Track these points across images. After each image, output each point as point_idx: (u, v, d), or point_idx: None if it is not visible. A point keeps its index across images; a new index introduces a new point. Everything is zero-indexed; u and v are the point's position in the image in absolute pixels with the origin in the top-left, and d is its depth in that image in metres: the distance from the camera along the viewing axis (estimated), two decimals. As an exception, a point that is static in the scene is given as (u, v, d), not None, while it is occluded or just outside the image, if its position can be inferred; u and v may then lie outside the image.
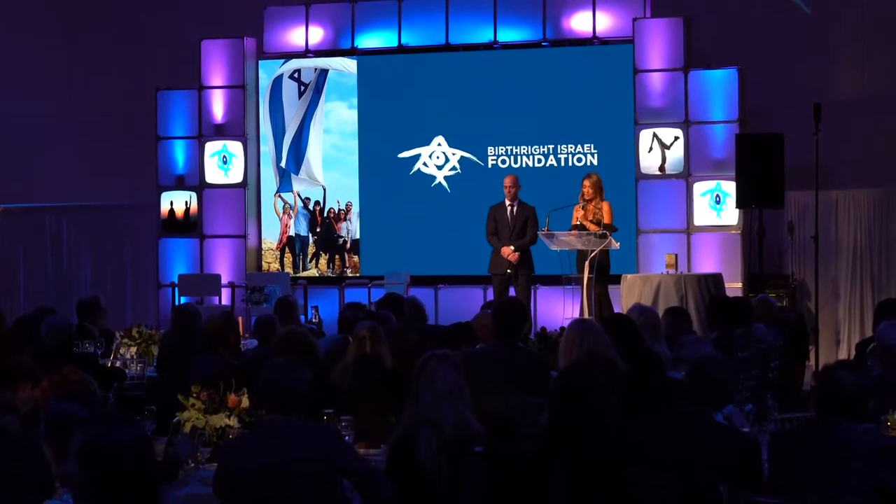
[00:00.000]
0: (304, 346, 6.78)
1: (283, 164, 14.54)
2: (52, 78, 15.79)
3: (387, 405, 6.12)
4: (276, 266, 14.53)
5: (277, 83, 14.56)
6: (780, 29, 13.65)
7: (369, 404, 6.34)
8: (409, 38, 14.16)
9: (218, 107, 14.54)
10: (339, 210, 14.41)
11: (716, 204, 13.07)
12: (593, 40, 13.64)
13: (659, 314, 8.16)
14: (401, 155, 14.15)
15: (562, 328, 9.14)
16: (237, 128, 14.53)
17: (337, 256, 14.44)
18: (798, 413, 6.46)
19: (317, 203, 14.48)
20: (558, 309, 12.09)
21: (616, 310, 11.54)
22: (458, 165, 14.00)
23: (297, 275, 14.35)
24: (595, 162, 13.56)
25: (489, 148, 13.92)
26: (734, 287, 12.47)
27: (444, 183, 14.04)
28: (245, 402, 5.87)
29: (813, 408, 5.01)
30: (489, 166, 13.89)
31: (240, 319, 11.84)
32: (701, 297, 11.27)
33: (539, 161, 13.79)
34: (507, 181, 12.38)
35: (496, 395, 6.34)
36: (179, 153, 14.63)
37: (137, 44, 15.38)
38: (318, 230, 14.47)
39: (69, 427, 3.96)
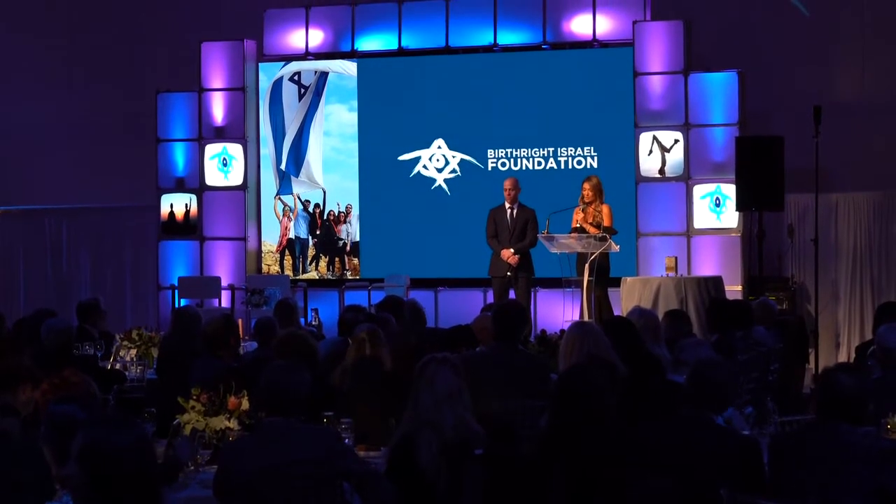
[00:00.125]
0: (304, 348, 6.78)
1: (283, 166, 14.55)
2: (53, 80, 15.79)
3: (386, 408, 6.12)
4: (275, 268, 14.53)
5: (277, 86, 14.56)
6: (779, 32, 13.65)
7: (369, 407, 6.34)
8: (409, 41, 14.17)
9: (218, 109, 14.55)
10: (339, 212, 14.41)
11: (716, 207, 13.07)
12: (593, 43, 13.65)
13: (659, 317, 8.15)
14: (401, 157, 14.15)
15: (562, 331, 9.14)
16: (237, 130, 14.53)
17: (337, 259, 14.44)
18: (798, 416, 6.47)
19: (317, 205, 14.48)
20: (558, 312, 12.08)
21: (616, 312, 11.54)
22: (458, 168, 14.00)
23: (297, 277, 14.36)
24: (595, 165, 13.56)
25: (489, 150, 13.92)
26: (734, 290, 12.47)
27: (444, 185, 14.04)
28: (245, 404, 5.87)
29: (813, 411, 5.02)
30: (489, 169, 13.89)
31: (240, 322, 11.82)
32: (701, 300, 11.27)
33: (539, 164, 13.79)
34: (507, 184, 12.38)
35: (496, 397, 6.34)
36: (179, 155, 14.64)
37: (137, 46, 15.39)
38: (318, 233, 14.47)
39: (69, 429, 3.97)
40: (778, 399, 7.28)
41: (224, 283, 14.06)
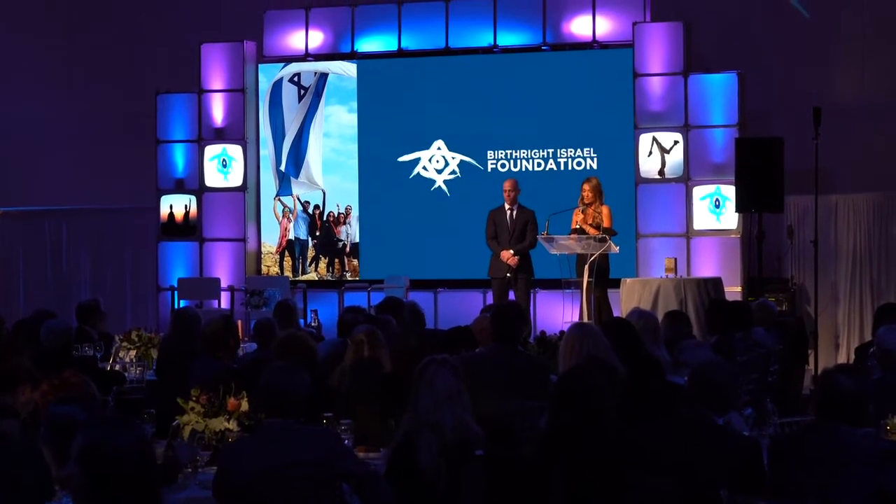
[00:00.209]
0: (303, 349, 6.78)
1: (282, 167, 14.55)
2: (53, 81, 15.78)
3: (386, 409, 6.12)
4: (275, 270, 14.53)
5: (277, 87, 14.57)
6: (779, 33, 13.65)
7: (368, 408, 6.33)
8: (409, 42, 14.17)
9: (218, 110, 14.55)
10: (339, 214, 14.41)
11: (715, 208, 13.08)
12: (593, 44, 13.65)
13: (658, 318, 8.15)
14: (400, 159, 14.15)
15: (561, 332, 9.14)
16: (237, 131, 14.53)
17: (336, 260, 14.44)
18: (797, 417, 6.47)
19: (316, 207, 14.48)
20: (558, 313, 12.08)
21: (615, 314, 11.55)
22: (457, 169, 14.00)
23: (297, 278, 14.36)
24: (595, 166, 13.56)
25: (489, 152, 13.93)
26: (734, 291, 12.47)
27: (444, 187, 14.04)
28: (244, 405, 5.86)
29: (812, 412, 5.02)
30: (489, 170, 13.90)
31: (239, 323, 11.82)
32: (700, 301, 11.27)
33: (539, 165, 13.79)
34: (507, 185, 12.38)
35: (496, 398, 6.34)
36: (179, 157, 14.64)
37: (137, 47, 15.39)
38: (317, 234, 14.47)
39: (69, 430, 3.97)
40: (777, 400, 7.29)
41: (223, 284, 14.06)
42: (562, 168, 13.72)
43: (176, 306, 13.52)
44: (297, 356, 6.51)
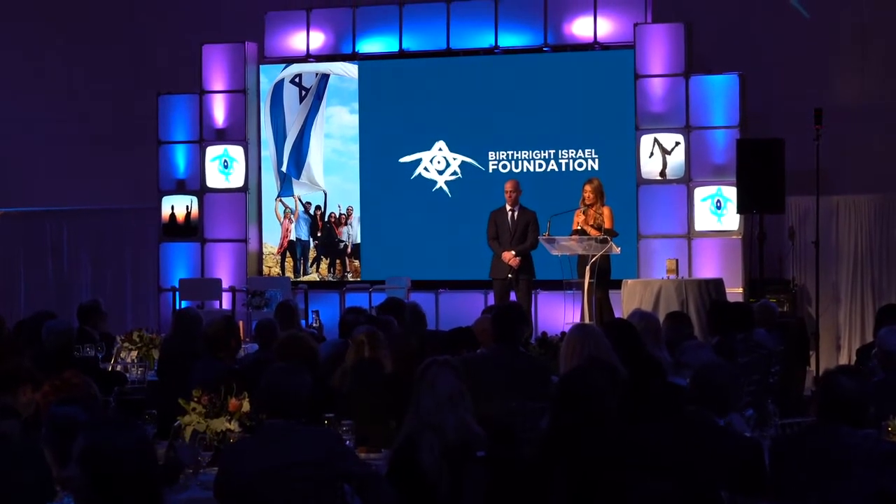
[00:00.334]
0: (304, 350, 6.78)
1: (283, 168, 14.55)
2: (53, 81, 15.78)
3: (387, 410, 6.12)
4: (276, 270, 14.54)
5: (278, 88, 14.57)
6: (780, 34, 13.65)
7: (369, 409, 6.33)
8: (411, 43, 14.17)
9: (219, 111, 14.55)
10: (340, 214, 14.41)
11: (716, 209, 13.08)
12: (594, 45, 13.65)
13: (660, 319, 8.15)
14: (402, 159, 14.15)
15: (563, 333, 9.15)
16: (238, 132, 14.53)
17: (338, 261, 14.44)
18: (799, 418, 6.46)
19: (318, 207, 14.48)
20: (559, 314, 12.09)
21: (617, 315, 11.54)
22: (458, 170, 14.00)
23: (298, 279, 14.36)
24: (596, 167, 13.56)
25: (490, 153, 13.93)
26: (735, 292, 12.46)
27: (445, 188, 14.04)
28: (246, 406, 5.86)
29: (813, 413, 5.02)
30: (490, 171, 13.90)
31: (240, 324, 11.84)
32: (702, 303, 11.27)
33: (540, 166, 13.80)
34: (508, 186, 12.38)
35: (497, 399, 6.34)
36: (180, 157, 14.64)
37: (138, 48, 15.39)
38: (318, 234, 14.47)
39: (70, 431, 3.97)
40: (779, 401, 7.28)
41: (225, 284, 14.06)
42: (563, 169, 13.72)
43: (177, 307, 13.52)
44: (299, 357, 6.51)
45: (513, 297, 12.06)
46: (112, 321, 11.25)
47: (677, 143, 13.17)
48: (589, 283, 11.43)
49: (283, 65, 14.55)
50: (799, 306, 13.17)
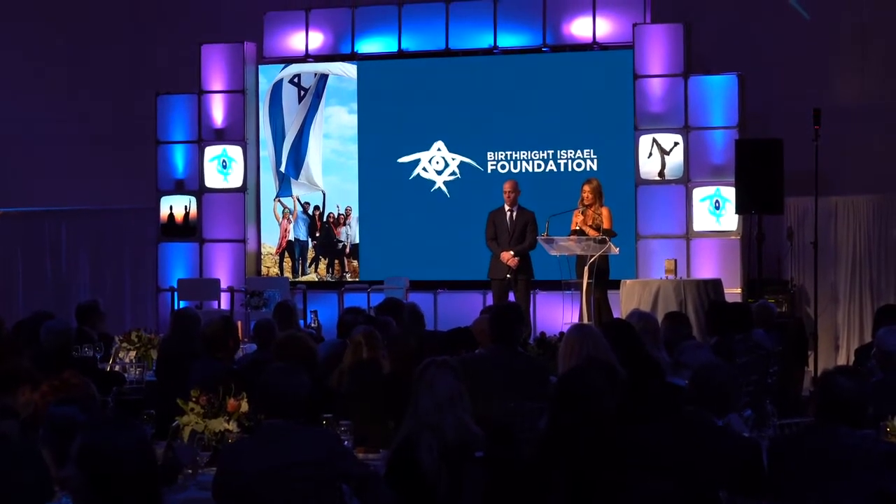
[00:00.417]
0: (303, 350, 6.78)
1: (282, 168, 14.55)
2: (52, 81, 15.78)
3: (385, 410, 6.12)
4: (275, 270, 14.53)
5: (277, 88, 14.57)
6: (779, 35, 13.65)
7: (367, 409, 6.33)
8: (409, 43, 14.17)
9: (218, 111, 14.55)
10: (339, 215, 14.41)
11: (715, 209, 13.08)
12: (593, 46, 13.65)
13: (658, 319, 8.16)
14: (400, 160, 14.15)
15: (561, 333, 9.13)
16: (237, 132, 14.53)
17: (336, 261, 14.44)
18: (797, 418, 6.46)
19: (316, 208, 14.48)
20: (558, 314, 12.08)
21: (615, 315, 11.54)
22: (457, 170, 14.00)
23: (297, 279, 14.36)
24: (595, 167, 13.56)
25: (489, 153, 13.93)
26: (733, 292, 12.47)
27: (444, 188, 14.04)
28: (244, 406, 5.86)
29: (812, 413, 5.02)
30: (489, 171, 13.90)
31: (239, 324, 11.83)
32: (700, 303, 11.27)
33: (539, 166, 13.80)
34: (507, 186, 12.38)
35: (495, 400, 6.34)
36: (179, 157, 14.64)
37: (137, 48, 15.40)
38: (317, 235, 14.47)
39: (69, 431, 3.97)
40: (777, 402, 7.29)
41: (223, 285, 14.05)
42: (562, 169, 13.72)
43: (176, 307, 13.51)
44: (297, 357, 6.51)
45: (511, 297, 12.06)
46: (111, 321, 11.24)
47: (676, 144, 13.17)
48: (587, 283, 11.43)
49: (282, 65, 14.55)
50: (797, 307, 13.18)
